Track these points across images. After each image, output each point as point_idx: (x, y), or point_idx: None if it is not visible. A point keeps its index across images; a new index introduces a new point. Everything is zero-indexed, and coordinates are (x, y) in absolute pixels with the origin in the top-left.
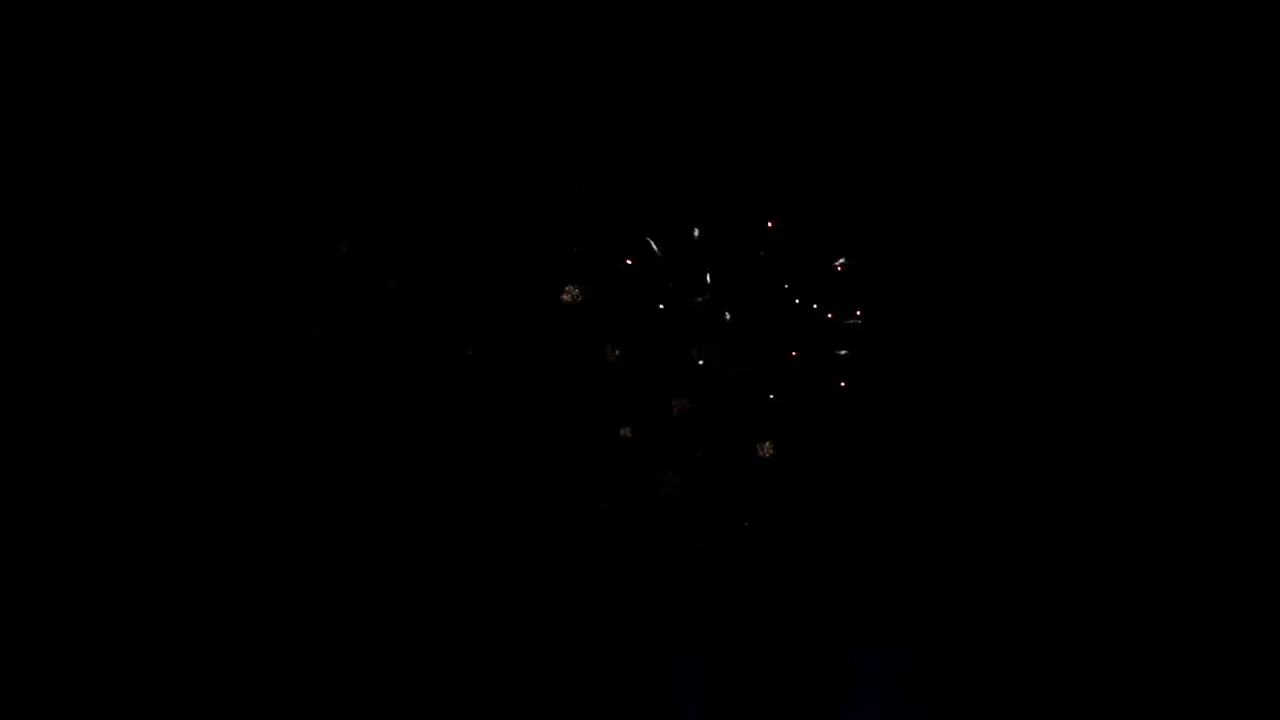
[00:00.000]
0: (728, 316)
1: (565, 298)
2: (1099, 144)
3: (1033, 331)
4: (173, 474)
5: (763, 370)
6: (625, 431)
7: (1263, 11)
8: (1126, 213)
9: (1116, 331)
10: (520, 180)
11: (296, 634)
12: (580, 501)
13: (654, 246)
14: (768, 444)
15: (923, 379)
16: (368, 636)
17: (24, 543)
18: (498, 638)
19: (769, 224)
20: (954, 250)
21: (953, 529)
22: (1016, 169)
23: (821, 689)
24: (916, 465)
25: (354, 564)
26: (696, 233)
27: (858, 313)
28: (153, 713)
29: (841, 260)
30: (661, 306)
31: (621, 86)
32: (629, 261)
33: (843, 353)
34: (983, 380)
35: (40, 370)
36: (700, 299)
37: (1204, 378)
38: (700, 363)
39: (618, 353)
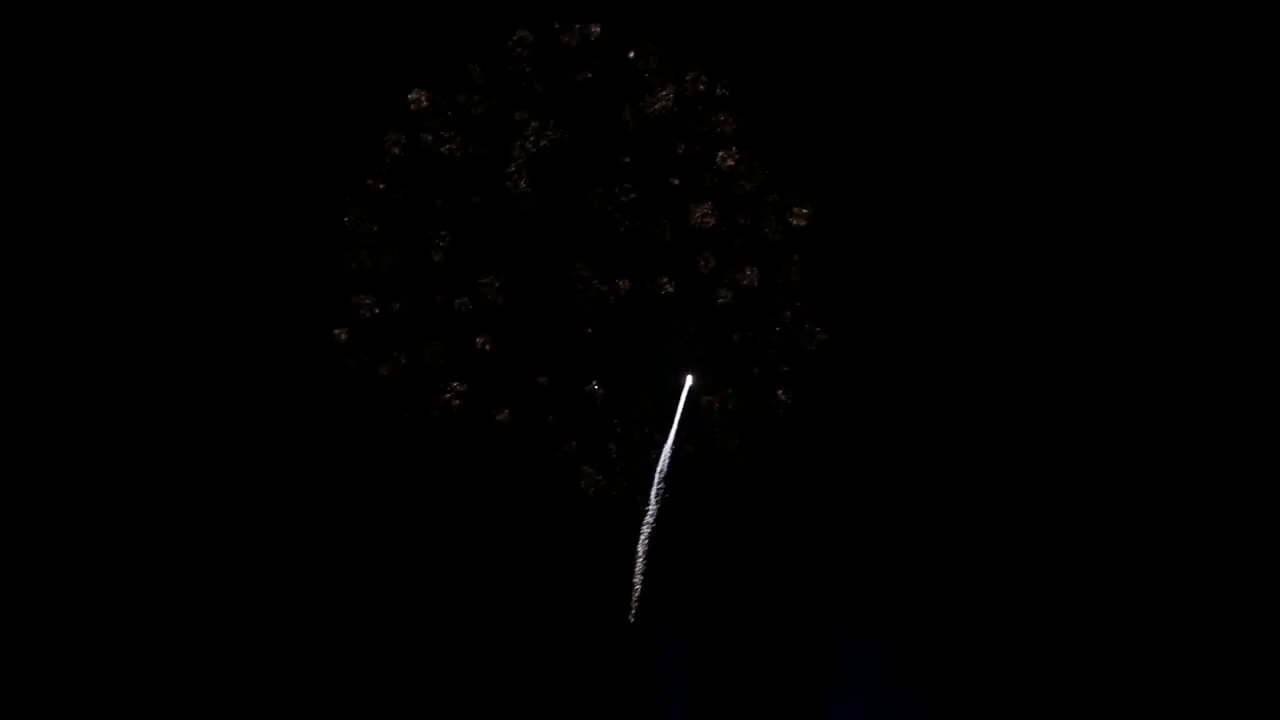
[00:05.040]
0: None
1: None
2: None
3: (1012, 327)
4: (171, 472)
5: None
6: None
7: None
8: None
9: (1092, 327)
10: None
11: (282, 626)
12: (568, 494)
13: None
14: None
15: (911, 380)
16: (357, 628)
17: (23, 542)
18: (485, 629)
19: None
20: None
21: (939, 526)
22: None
23: (807, 680)
24: (904, 463)
25: (344, 557)
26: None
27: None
28: (152, 712)
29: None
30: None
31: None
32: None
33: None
34: (967, 379)
35: (40, 370)
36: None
37: (1192, 380)
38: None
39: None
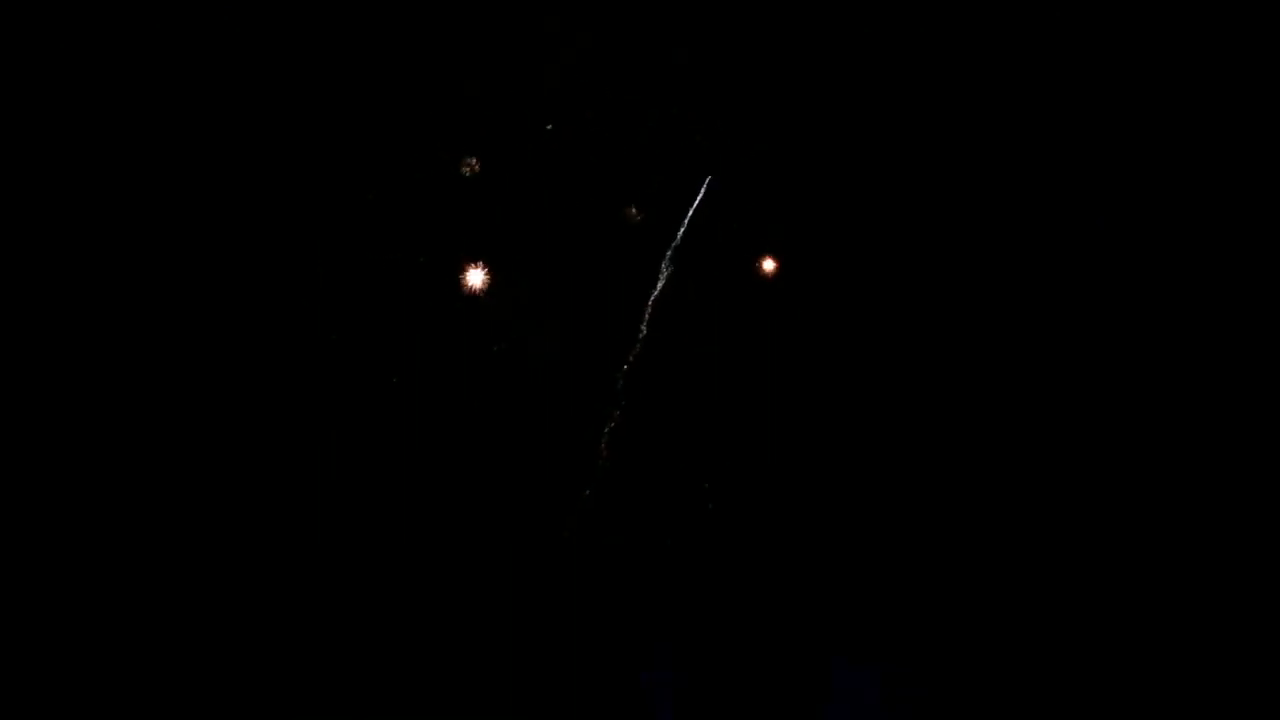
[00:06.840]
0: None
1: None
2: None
3: (1012, 343)
4: (172, 473)
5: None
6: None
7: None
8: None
9: (1089, 339)
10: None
11: (271, 627)
12: (560, 502)
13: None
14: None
15: (908, 391)
16: (342, 637)
17: (24, 543)
18: (473, 639)
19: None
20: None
21: (936, 545)
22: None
23: (799, 703)
24: (900, 478)
25: (333, 563)
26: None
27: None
28: (152, 713)
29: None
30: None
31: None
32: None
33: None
34: (965, 394)
35: (42, 370)
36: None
37: (1181, 385)
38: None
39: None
